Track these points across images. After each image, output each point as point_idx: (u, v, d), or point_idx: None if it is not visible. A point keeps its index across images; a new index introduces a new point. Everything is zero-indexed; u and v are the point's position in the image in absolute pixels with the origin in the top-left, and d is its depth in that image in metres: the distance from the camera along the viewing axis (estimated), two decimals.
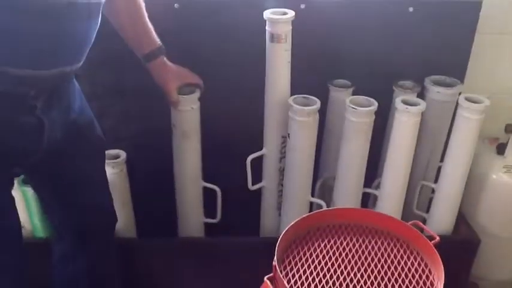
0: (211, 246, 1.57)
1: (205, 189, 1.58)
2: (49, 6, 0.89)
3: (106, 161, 1.49)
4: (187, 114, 1.43)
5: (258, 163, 1.55)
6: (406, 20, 1.49)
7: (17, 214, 1.08)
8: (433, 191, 1.62)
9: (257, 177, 1.56)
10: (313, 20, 1.44)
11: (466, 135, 1.44)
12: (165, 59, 1.33)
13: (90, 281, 1.35)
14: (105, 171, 1.35)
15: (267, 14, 1.33)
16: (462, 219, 1.63)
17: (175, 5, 1.44)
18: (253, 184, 1.55)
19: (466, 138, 1.45)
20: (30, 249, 1.13)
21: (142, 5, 1.28)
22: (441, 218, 1.58)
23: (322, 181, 1.62)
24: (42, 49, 0.92)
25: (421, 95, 1.50)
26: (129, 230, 1.58)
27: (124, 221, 1.56)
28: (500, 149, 1.62)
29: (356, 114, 1.37)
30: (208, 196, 1.58)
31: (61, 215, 1.29)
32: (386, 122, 1.55)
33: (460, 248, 1.58)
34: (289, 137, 1.43)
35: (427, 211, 1.64)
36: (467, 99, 1.41)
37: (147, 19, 1.28)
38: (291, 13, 1.34)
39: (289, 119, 1.41)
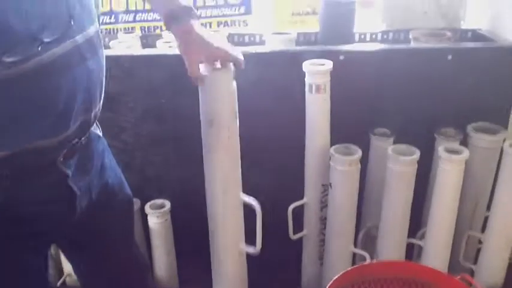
0: None
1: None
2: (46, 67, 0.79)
3: (150, 210, 1.55)
4: (213, 98, 1.12)
5: (299, 212, 1.55)
6: (445, 68, 1.49)
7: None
8: (480, 241, 1.57)
9: (298, 226, 1.56)
10: (353, 70, 1.46)
11: None
12: (192, 24, 1.03)
13: None
14: (132, 226, 1.28)
15: (306, 65, 1.36)
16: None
17: None
18: (294, 234, 1.54)
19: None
20: None
21: None
22: (490, 270, 1.52)
23: (365, 231, 1.60)
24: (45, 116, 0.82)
25: (464, 143, 1.48)
26: (172, 278, 1.60)
27: (167, 269, 1.59)
28: None
29: (398, 163, 1.36)
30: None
31: (91, 277, 1.25)
32: (429, 171, 1.54)
33: None
34: (330, 186, 1.43)
35: (475, 262, 1.58)
36: None
37: None
38: (329, 63, 1.36)
39: (330, 168, 1.42)
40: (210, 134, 1.15)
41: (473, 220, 1.58)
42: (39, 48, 0.76)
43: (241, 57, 1.08)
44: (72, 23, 0.82)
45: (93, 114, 0.94)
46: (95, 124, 1.00)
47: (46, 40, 0.77)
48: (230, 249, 1.30)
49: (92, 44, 0.88)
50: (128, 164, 1.63)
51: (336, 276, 1.05)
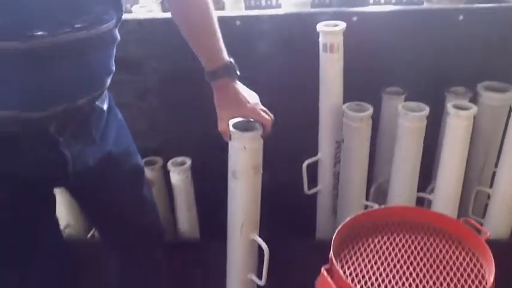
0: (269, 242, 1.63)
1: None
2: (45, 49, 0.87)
3: (172, 167, 1.64)
4: (238, 153, 1.24)
5: (313, 168, 1.63)
6: (457, 28, 1.54)
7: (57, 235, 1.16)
8: (488, 197, 1.63)
9: (313, 182, 1.64)
10: (365, 31, 1.51)
11: None
12: (231, 82, 1.16)
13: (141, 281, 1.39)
14: (148, 195, 1.36)
15: (320, 26, 1.42)
16: None
17: (237, 22, 1.56)
18: (309, 189, 1.63)
19: None
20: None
21: (210, 15, 1.12)
22: (497, 223, 1.58)
23: (376, 185, 1.67)
24: (48, 89, 0.92)
25: (474, 101, 1.53)
26: (193, 232, 1.70)
27: (189, 223, 1.68)
28: None
29: (409, 119, 1.43)
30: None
31: (106, 234, 1.34)
32: (438, 128, 1.59)
33: None
34: (343, 142, 1.50)
35: (483, 217, 1.65)
36: None
37: (212, 32, 1.13)
38: (342, 24, 1.42)
39: (343, 125, 1.49)
40: (233, 184, 1.29)
41: (482, 176, 1.64)
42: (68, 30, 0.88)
43: (269, 119, 1.20)
44: (102, 16, 0.94)
45: (91, 96, 1.02)
46: (100, 98, 1.08)
47: (76, 26, 0.89)
48: (241, 279, 1.43)
49: (110, 35, 0.99)
50: (152, 124, 1.73)
51: (346, 220, 1.13)
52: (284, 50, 1.57)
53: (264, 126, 1.21)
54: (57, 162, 1.02)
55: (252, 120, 1.21)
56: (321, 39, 1.44)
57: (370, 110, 1.45)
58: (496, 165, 1.59)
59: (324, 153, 1.60)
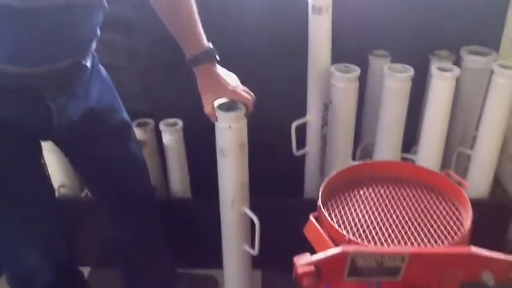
0: (259, 206, 1.68)
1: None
2: (38, 8, 0.92)
3: (164, 127, 1.67)
4: (224, 133, 1.30)
5: (302, 131, 1.68)
6: None
7: (45, 180, 1.20)
8: (469, 159, 1.69)
9: (301, 144, 1.69)
10: None
11: (500, 101, 1.51)
12: (211, 67, 1.23)
13: (135, 244, 1.46)
14: (134, 150, 1.39)
15: None
16: (498, 185, 1.70)
17: None
18: (297, 150, 1.67)
19: (500, 104, 1.51)
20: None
21: (193, 7, 1.17)
22: (477, 184, 1.65)
23: (362, 147, 1.72)
24: (35, 48, 0.97)
25: (457, 65, 1.58)
26: (185, 191, 1.74)
27: (181, 183, 1.73)
28: None
29: (394, 80, 1.47)
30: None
31: (93, 187, 1.39)
32: (423, 91, 1.64)
33: (496, 212, 1.65)
34: (331, 103, 1.55)
35: (463, 178, 1.72)
36: (501, 66, 1.48)
37: (195, 15, 1.18)
38: None
39: (331, 86, 1.53)
40: (222, 161, 1.35)
41: (464, 139, 1.70)
42: None
43: (250, 98, 1.28)
44: None
45: (77, 58, 1.08)
46: (86, 57, 1.12)
47: None
48: (235, 250, 1.50)
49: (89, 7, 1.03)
50: (143, 86, 1.75)
51: (334, 173, 1.18)
52: (274, 11, 1.59)
53: (247, 105, 1.28)
54: (43, 114, 1.07)
55: (234, 101, 1.28)
56: (309, 1, 1.47)
57: (358, 71, 1.50)
58: (477, 128, 1.65)
59: (312, 115, 1.64)
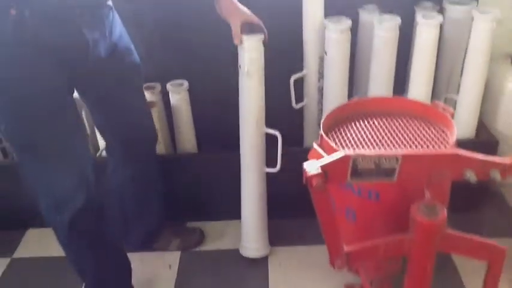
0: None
1: None
2: None
3: (171, 87, 1.79)
4: (251, 54, 1.46)
5: (300, 86, 1.80)
6: None
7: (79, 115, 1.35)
8: (455, 104, 1.83)
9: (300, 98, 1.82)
10: None
11: (481, 45, 1.64)
12: None
13: (138, 183, 1.62)
14: (143, 95, 1.59)
15: None
16: (483, 126, 1.84)
17: None
18: (296, 103, 1.80)
19: (480, 48, 1.64)
20: None
21: None
22: (464, 126, 1.78)
23: (356, 98, 1.85)
24: None
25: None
26: (191, 146, 1.87)
27: (188, 139, 1.85)
28: None
29: (383, 29, 1.60)
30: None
31: (109, 128, 1.53)
32: (410, 41, 1.76)
33: (482, 150, 1.77)
34: (326, 54, 1.67)
35: None
36: (480, 12, 1.61)
37: None
38: None
39: (325, 39, 1.66)
40: (247, 83, 1.51)
41: (449, 85, 1.83)
42: None
43: (265, 29, 1.47)
44: None
45: None
46: None
47: None
48: (254, 171, 1.63)
49: None
50: (150, 51, 1.86)
51: (333, 109, 1.31)
52: None
53: (261, 29, 1.46)
54: (82, 45, 1.22)
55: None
56: None
57: (349, 22, 1.62)
58: (461, 74, 1.78)
59: (309, 68, 1.77)
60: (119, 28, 1.38)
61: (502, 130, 1.83)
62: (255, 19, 1.46)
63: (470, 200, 1.84)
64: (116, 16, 1.38)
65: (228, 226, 1.87)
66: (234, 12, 1.43)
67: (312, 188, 0.96)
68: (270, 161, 1.64)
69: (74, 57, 1.22)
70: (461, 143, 1.19)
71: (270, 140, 1.62)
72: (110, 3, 1.32)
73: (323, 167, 0.96)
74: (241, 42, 1.44)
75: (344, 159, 0.96)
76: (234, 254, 1.74)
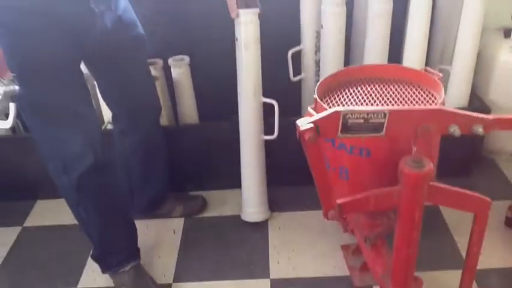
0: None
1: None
2: None
3: (173, 62, 1.86)
4: (248, 27, 1.53)
5: (297, 59, 1.86)
6: None
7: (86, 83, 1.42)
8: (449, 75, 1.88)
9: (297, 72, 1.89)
10: None
11: (473, 18, 1.69)
12: None
13: (143, 151, 1.70)
14: (148, 67, 1.65)
15: None
16: (475, 96, 1.90)
17: None
18: (294, 76, 1.86)
19: (472, 21, 1.70)
20: None
21: None
22: (457, 95, 1.84)
23: None
24: None
25: None
26: (192, 117, 1.94)
27: (189, 111, 1.92)
28: (507, 33, 1.87)
29: (377, 2, 1.66)
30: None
31: (115, 99, 1.60)
32: (405, 16, 1.82)
33: None
34: (322, 27, 1.73)
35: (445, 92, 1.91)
36: None
37: None
38: None
39: (321, 13, 1.71)
40: (245, 54, 1.57)
41: (443, 57, 1.89)
42: None
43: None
44: None
45: None
46: None
47: None
48: (253, 138, 1.70)
49: None
50: (153, 29, 1.92)
51: (327, 75, 1.37)
52: None
53: (255, 2, 1.52)
54: (89, 16, 1.29)
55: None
56: None
57: None
58: (454, 47, 1.84)
59: (306, 42, 1.83)
60: (123, 2, 1.44)
61: (493, 99, 1.90)
62: None
63: (464, 166, 1.92)
64: None
65: (229, 194, 1.94)
66: None
67: (304, 141, 1.02)
68: (269, 129, 1.71)
69: (81, 28, 1.29)
70: None
71: (270, 110, 1.69)
72: None
73: (314, 122, 1.02)
74: (237, 16, 1.51)
75: (334, 115, 1.02)
76: (236, 220, 1.82)
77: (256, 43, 1.58)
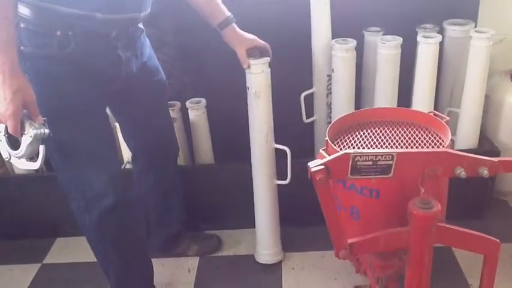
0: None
1: None
2: None
3: (190, 105, 1.94)
4: (259, 77, 1.58)
5: (309, 102, 1.93)
6: None
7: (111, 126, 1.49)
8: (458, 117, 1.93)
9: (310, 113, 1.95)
10: None
11: (479, 62, 1.75)
12: (235, 26, 1.59)
13: (160, 191, 1.76)
14: (168, 109, 1.73)
15: None
16: (485, 138, 1.93)
17: None
18: (306, 118, 1.92)
19: (479, 65, 1.75)
20: None
21: None
22: (467, 136, 1.88)
23: None
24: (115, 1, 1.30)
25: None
26: (208, 157, 2.00)
27: (205, 153, 1.98)
28: None
29: (386, 48, 1.73)
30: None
31: (136, 140, 1.67)
32: (413, 61, 1.88)
33: None
34: (333, 71, 1.80)
35: (454, 134, 1.95)
36: (478, 31, 1.73)
37: None
38: None
39: (332, 58, 1.79)
40: (256, 103, 1.62)
41: (452, 99, 1.94)
42: None
43: (269, 49, 1.62)
44: None
45: (144, 14, 1.39)
46: (147, 10, 1.43)
47: None
48: (266, 183, 1.74)
49: None
50: (171, 72, 2.02)
51: (338, 118, 1.43)
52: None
53: (267, 50, 1.61)
54: (116, 62, 1.37)
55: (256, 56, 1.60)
56: None
57: (354, 42, 1.76)
58: (463, 89, 1.89)
59: (318, 85, 1.90)
60: (148, 49, 1.54)
61: (502, 140, 1.94)
62: (260, 42, 1.61)
63: (476, 208, 1.93)
64: (147, 39, 1.55)
65: (243, 234, 1.98)
66: (238, 42, 1.58)
67: (316, 182, 1.07)
68: (282, 173, 1.75)
69: (108, 74, 1.37)
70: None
71: (283, 153, 1.74)
72: (141, 26, 1.46)
73: (325, 164, 1.07)
74: (248, 66, 1.58)
75: (344, 157, 1.08)
76: (250, 260, 1.85)
77: (267, 91, 1.62)
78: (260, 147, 1.69)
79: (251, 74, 1.59)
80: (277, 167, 1.76)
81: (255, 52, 1.60)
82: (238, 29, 1.60)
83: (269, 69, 1.61)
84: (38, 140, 1.16)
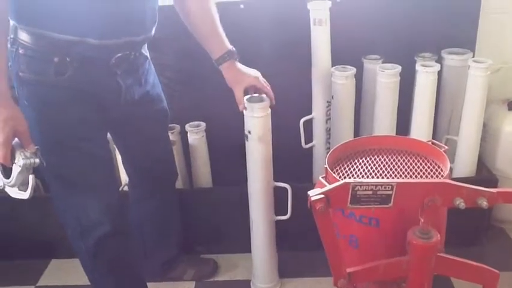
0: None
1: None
2: None
3: (190, 128, 1.94)
4: (260, 121, 1.53)
5: (308, 127, 1.94)
6: (424, 4, 1.90)
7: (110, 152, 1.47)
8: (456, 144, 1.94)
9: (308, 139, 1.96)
10: (347, 9, 1.86)
11: (477, 91, 1.77)
12: (235, 62, 1.50)
13: (157, 217, 1.75)
14: (168, 137, 1.71)
15: (311, 3, 1.76)
16: (483, 165, 1.94)
17: (241, 6, 1.90)
18: (305, 143, 1.93)
19: (477, 94, 1.77)
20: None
21: (214, 9, 1.47)
22: (465, 163, 1.89)
23: None
24: (109, 23, 1.24)
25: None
26: (206, 181, 2.00)
27: (202, 174, 1.98)
28: (510, 106, 1.94)
29: (385, 76, 1.75)
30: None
31: (134, 166, 1.65)
32: (412, 89, 1.90)
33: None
34: (333, 98, 1.82)
35: (452, 162, 1.96)
36: (476, 61, 1.75)
37: (217, 23, 1.47)
38: (329, 3, 1.75)
39: (332, 84, 1.81)
40: (255, 144, 1.57)
41: (450, 127, 1.96)
42: None
43: (270, 90, 1.54)
44: None
45: (141, 37, 1.35)
46: (145, 47, 1.42)
47: None
48: (263, 219, 1.71)
49: None
50: (170, 95, 2.03)
51: (338, 145, 1.43)
52: (280, 25, 1.89)
53: (269, 96, 1.55)
54: (115, 90, 1.35)
55: (257, 95, 1.55)
56: (311, 15, 1.77)
57: (354, 70, 1.78)
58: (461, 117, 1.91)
59: (317, 111, 1.91)
60: (152, 77, 1.52)
61: (500, 168, 1.95)
62: (259, 84, 1.53)
63: (474, 236, 1.93)
64: (152, 67, 1.52)
65: (240, 258, 1.96)
66: (235, 82, 1.52)
67: (315, 211, 1.07)
68: (281, 206, 1.73)
69: (107, 101, 1.36)
70: (462, 181, 1.27)
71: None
72: (144, 52, 1.43)
73: (325, 193, 1.08)
74: (245, 108, 1.52)
75: (344, 186, 1.08)
76: (246, 285, 1.83)
77: (267, 133, 1.56)
78: (259, 187, 1.66)
79: (248, 117, 1.53)
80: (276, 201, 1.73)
81: (253, 91, 1.54)
82: (238, 65, 1.52)
83: (269, 111, 1.54)
84: (28, 169, 1.14)
